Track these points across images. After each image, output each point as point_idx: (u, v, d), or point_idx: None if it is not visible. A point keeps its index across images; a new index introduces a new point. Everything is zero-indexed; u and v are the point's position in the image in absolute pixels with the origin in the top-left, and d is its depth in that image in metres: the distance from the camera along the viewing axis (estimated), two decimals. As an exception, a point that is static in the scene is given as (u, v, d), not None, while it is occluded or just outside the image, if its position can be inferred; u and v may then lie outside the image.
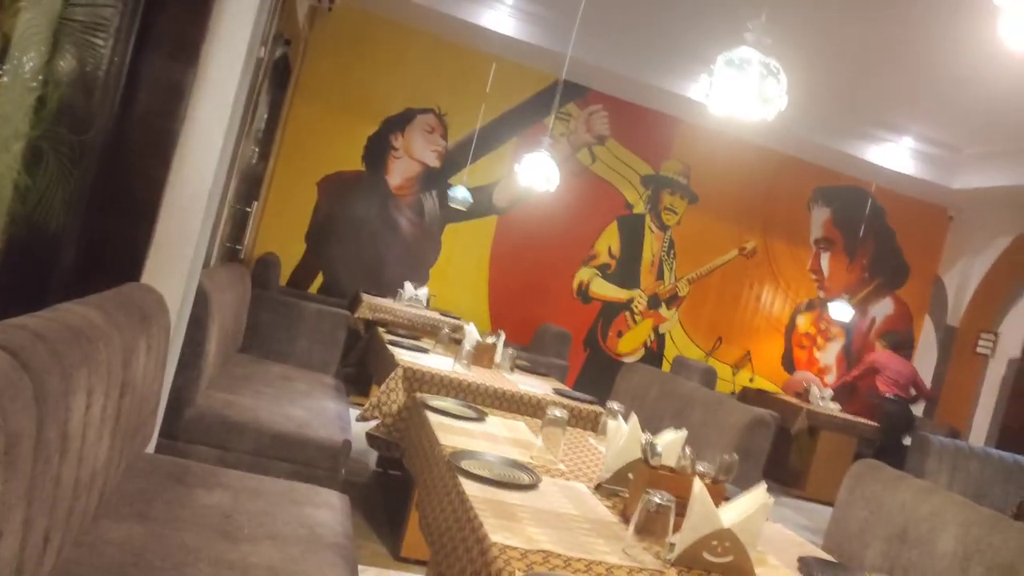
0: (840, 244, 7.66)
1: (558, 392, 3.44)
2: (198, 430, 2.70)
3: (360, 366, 5.51)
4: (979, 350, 7.18)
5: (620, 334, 7.21)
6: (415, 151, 6.65)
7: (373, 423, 2.90)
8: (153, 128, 2.31)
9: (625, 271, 7.20)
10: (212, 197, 2.42)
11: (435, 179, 6.70)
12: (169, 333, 2.15)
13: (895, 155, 6.94)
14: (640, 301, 7.24)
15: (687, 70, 6.26)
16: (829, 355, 7.75)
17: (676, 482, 1.62)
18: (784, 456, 6.55)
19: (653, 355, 7.26)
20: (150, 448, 2.34)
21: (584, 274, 7.12)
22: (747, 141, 7.15)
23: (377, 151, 6.57)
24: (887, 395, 6.80)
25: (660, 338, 7.30)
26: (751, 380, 7.50)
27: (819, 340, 7.72)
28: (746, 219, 7.44)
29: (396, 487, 3.82)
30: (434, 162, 6.69)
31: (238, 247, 4.77)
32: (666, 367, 7.07)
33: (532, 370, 4.08)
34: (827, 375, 7.72)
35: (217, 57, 2.36)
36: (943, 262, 7.85)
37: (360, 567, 2.78)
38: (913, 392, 6.94)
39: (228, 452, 2.72)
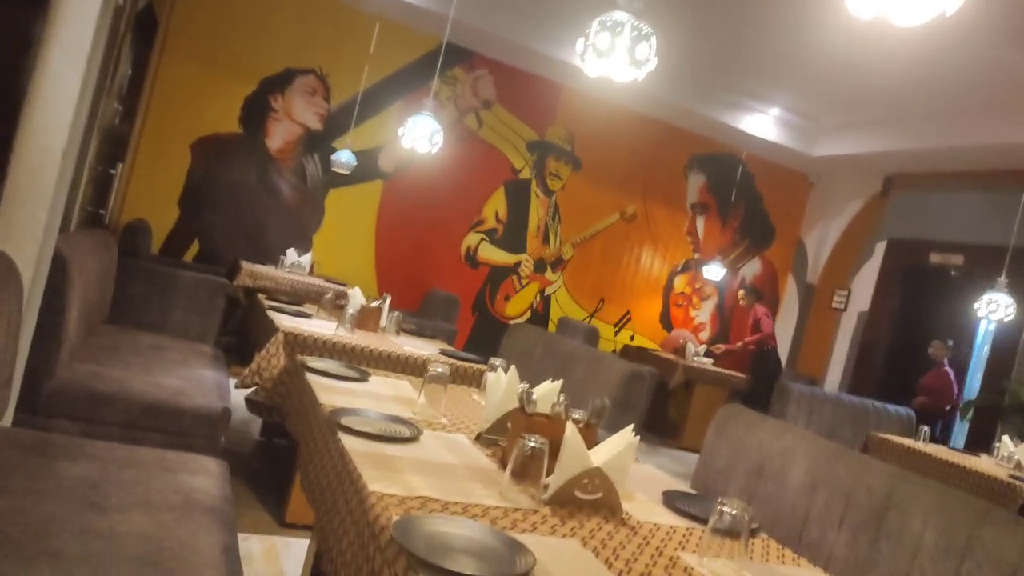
0: (714, 208, 8.07)
1: (444, 353, 3.48)
2: (60, 403, 2.56)
3: (240, 335, 5.34)
4: (834, 305, 7.81)
5: (507, 297, 7.33)
6: (296, 113, 6.42)
7: (253, 390, 2.84)
8: (-4, 79, 2.13)
9: (512, 235, 7.30)
10: (67, 156, 2.26)
11: (318, 142, 6.51)
12: (22, 300, 2.01)
13: (763, 124, 7.36)
14: (527, 265, 7.38)
15: (570, 36, 6.35)
16: (704, 313, 8.20)
17: (550, 427, 1.70)
18: (663, 409, 6.92)
19: (539, 317, 7.44)
20: (5, 422, 2.20)
21: (472, 239, 7.17)
22: (629, 109, 7.37)
23: (255, 113, 6.31)
24: (768, 346, 7.28)
25: (546, 300, 7.48)
26: (631, 339, 7.83)
27: (694, 299, 8.14)
28: (627, 185, 7.69)
29: (280, 455, 3.76)
30: (316, 125, 6.49)
31: (101, 212, 4.48)
32: (552, 328, 7.27)
33: (419, 333, 4.10)
34: (702, 332, 8.16)
35: (70, 4, 2.19)
36: (804, 224, 8.44)
37: (244, 534, 2.74)
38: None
39: (95, 425, 2.60)
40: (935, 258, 6.94)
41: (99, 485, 1.75)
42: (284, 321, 3.22)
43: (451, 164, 6.81)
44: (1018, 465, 4.52)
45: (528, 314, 7.42)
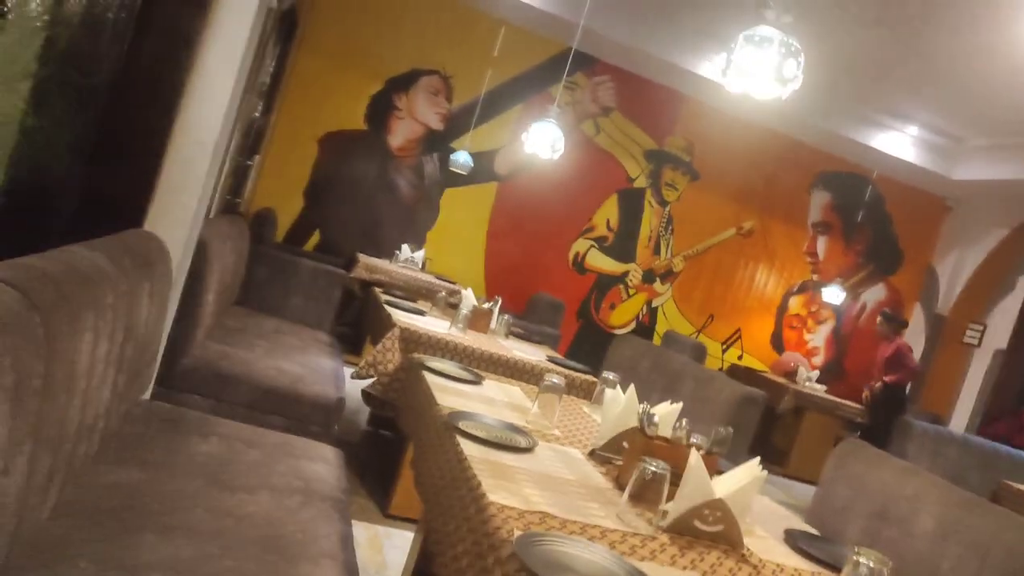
0: (838, 228, 7.68)
1: (552, 360, 3.46)
2: (193, 380, 2.72)
3: (354, 326, 5.52)
4: (966, 340, 7.26)
5: (613, 306, 7.24)
6: (418, 112, 6.59)
7: (368, 381, 2.92)
8: (160, 76, 2.28)
9: (622, 244, 7.21)
10: (217, 148, 2.40)
11: (437, 142, 6.65)
12: (170, 281, 2.15)
13: (898, 143, 6.93)
14: (635, 275, 7.26)
15: (697, 46, 6.20)
16: (818, 337, 7.81)
17: (671, 452, 1.64)
18: (769, 434, 6.64)
19: (645, 329, 7.31)
20: (146, 395, 2.36)
21: (581, 245, 7.13)
22: (752, 122, 7.12)
23: (380, 111, 6.51)
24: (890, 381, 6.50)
25: (652, 312, 7.34)
26: (740, 358, 7.57)
27: (810, 322, 7.77)
28: (746, 199, 7.43)
29: (386, 446, 3.85)
30: (437, 125, 6.64)
31: (237, 200, 4.74)
32: (657, 341, 7.12)
33: (526, 337, 4.10)
34: (815, 357, 7.79)
35: (228, 4, 2.32)
36: (937, 251, 7.89)
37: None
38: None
39: (222, 403, 2.74)
40: (1089, 297, 6.33)
41: (228, 463, 1.84)
42: (400, 317, 3.29)
43: (565, 169, 6.79)
44: None
45: (633, 325, 7.30)
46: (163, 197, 2.31)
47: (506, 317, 3.82)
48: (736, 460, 3.16)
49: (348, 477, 3.29)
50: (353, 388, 3.28)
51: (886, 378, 6.38)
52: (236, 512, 1.61)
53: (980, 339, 7.13)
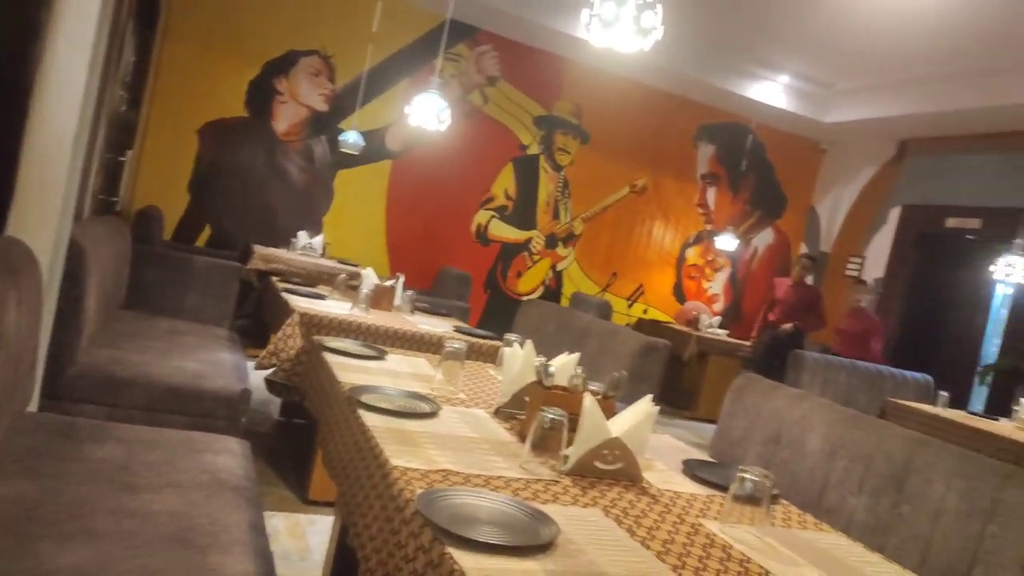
0: (724, 179, 8.01)
1: (459, 330, 3.49)
2: (83, 388, 2.59)
3: (255, 318, 5.37)
4: (848, 272, 7.76)
5: (519, 274, 7.32)
6: (301, 95, 6.40)
7: (272, 371, 2.86)
8: (6, 71, 2.13)
9: (522, 212, 7.28)
10: (78, 143, 2.27)
11: (324, 124, 6.49)
12: (41, 287, 2.03)
13: (772, 92, 7.26)
14: (538, 241, 7.36)
15: (573, 8, 6.27)
16: (717, 285, 8.17)
17: (569, 400, 1.70)
18: (677, 381, 6.93)
19: (552, 293, 7.44)
20: (32, 408, 2.24)
21: (482, 216, 7.15)
22: (636, 81, 7.29)
23: (260, 96, 6.29)
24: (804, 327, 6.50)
25: (558, 276, 7.47)
26: (645, 312, 7.83)
27: (707, 271, 8.11)
28: (636, 157, 7.63)
29: (300, 434, 3.80)
30: (322, 106, 6.47)
31: (113, 199, 4.50)
32: (565, 304, 7.26)
33: (433, 311, 4.11)
34: (715, 304, 8.14)
35: (72, -10, 2.19)
36: (816, 193, 8.36)
37: (268, 513, 2.78)
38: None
39: (118, 409, 2.63)
40: (951, 222, 6.87)
41: (128, 466, 1.78)
42: (299, 303, 3.23)
43: (458, 142, 6.78)
44: (1038, 427, 4.50)
45: (541, 290, 7.42)
46: (24, 199, 2.17)
47: (409, 293, 3.81)
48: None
49: (263, 468, 3.24)
50: (261, 381, 3.22)
51: (799, 323, 6.40)
52: (140, 512, 1.57)
53: (861, 270, 7.64)
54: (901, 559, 1.95)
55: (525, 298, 7.22)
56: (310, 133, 6.47)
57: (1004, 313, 6.72)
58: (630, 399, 2.86)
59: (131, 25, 4.08)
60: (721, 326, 7.59)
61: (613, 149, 7.51)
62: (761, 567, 1.27)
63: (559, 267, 7.48)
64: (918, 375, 6.07)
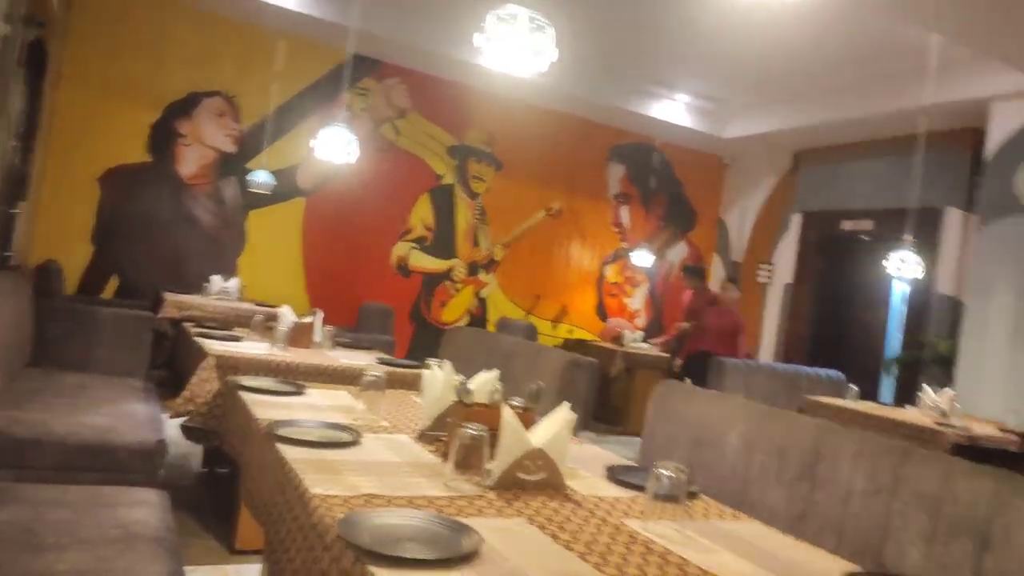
0: (636, 197, 8.25)
1: (381, 361, 3.47)
2: (-18, 453, 2.44)
3: (170, 367, 5.18)
4: (759, 280, 8.09)
5: (443, 303, 7.32)
6: (206, 137, 6.27)
7: (188, 416, 2.77)
8: None
9: (441, 242, 7.30)
10: (-37, 194, 2.17)
11: (232, 165, 6.37)
12: (-72, 347, 1.92)
13: (674, 111, 7.57)
14: (459, 269, 7.39)
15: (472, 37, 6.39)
16: (637, 300, 8.37)
17: (489, 415, 1.72)
18: (607, 398, 7.03)
19: (478, 320, 7.46)
20: (-77, 479, 2.09)
21: (401, 249, 7.13)
22: (543, 107, 7.47)
23: (163, 140, 6.13)
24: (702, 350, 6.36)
25: (482, 303, 7.51)
26: (570, 332, 7.93)
27: (626, 288, 8.30)
28: (550, 181, 7.78)
29: (224, 483, 3.67)
30: (229, 147, 6.35)
31: (7, 254, 4.29)
32: (491, 329, 7.29)
33: (355, 346, 4.07)
34: (637, 319, 8.33)
35: (-53, 36, 2.11)
36: (724, 205, 8.71)
37: (194, 566, 2.67)
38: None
39: (26, 470, 2.48)
40: (847, 225, 7.27)
41: (32, 527, 1.69)
42: (214, 346, 3.15)
43: (372, 175, 6.77)
44: (943, 413, 4.77)
45: (466, 318, 7.43)
46: (-96, 256, 2.05)
47: (329, 328, 3.76)
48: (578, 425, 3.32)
49: (187, 521, 3.11)
50: (181, 432, 3.10)
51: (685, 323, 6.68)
52: (45, 573, 1.49)
53: (771, 277, 7.97)
54: (820, 544, 2.04)
55: (451, 327, 7.21)
56: (218, 175, 6.33)
57: (903, 308, 7.13)
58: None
59: (20, 74, 3.93)
60: (645, 340, 7.76)
61: (527, 174, 7.64)
62: (681, 557, 1.31)
63: (482, 294, 7.52)
64: (832, 372, 6.36)
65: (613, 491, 1.71)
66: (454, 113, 7.26)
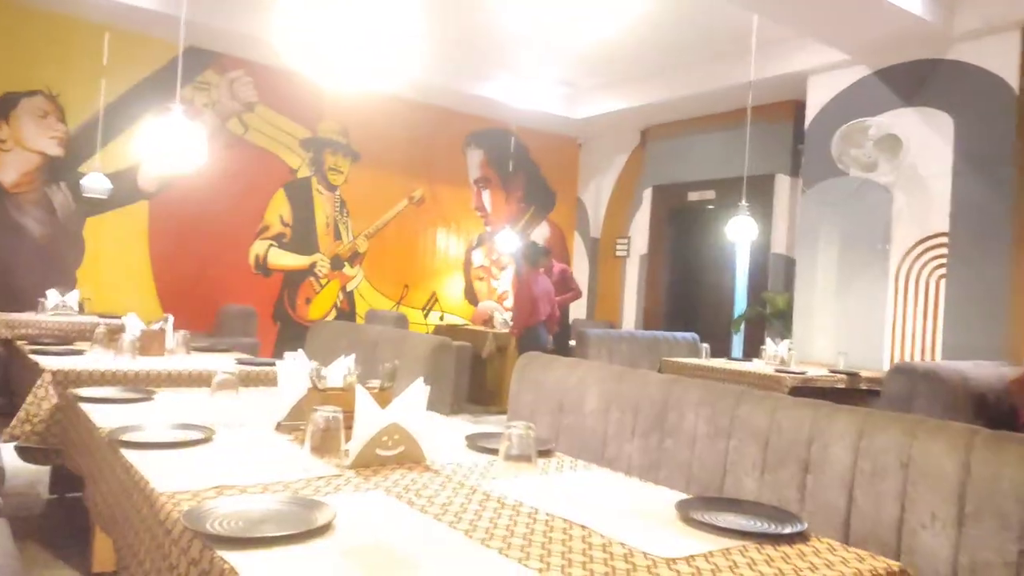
0: (496, 181, 8.38)
1: (240, 361, 3.36)
2: None
3: (2, 391, 4.76)
4: (618, 253, 8.45)
5: (308, 300, 7.15)
6: (28, 140, 5.76)
7: (24, 437, 2.58)
8: None
9: (301, 237, 7.11)
10: None
11: (61, 169, 5.90)
12: None
13: (527, 95, 7.72)
14: (323, 264, 7.23)
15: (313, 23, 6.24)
16: (504, 282, 8.52)
17: (345, 398, 1.73)
18: (482, 380, 7.14)
19: (346, 314, 7.34)
20: None
21: (259, 247, 6.89)
22: (397, 96, 7.41)
23: (-23, 146, 5.58)
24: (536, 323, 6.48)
25: (349, 296, 7.39)
26: (442, 318, 7.98)
27: (494, 270, 8.44)
28: (410, 169, 7.75)
29: (76, 508, 3.44)
30: (55, 150, 5.87)
31: None
32: (360, 323, 7.20)
33: (213, 349, 3.91)
34: (506, 300, 8.49)
35: None
36: (580, 184, 9.02)
37: (45, 596, 2.50)
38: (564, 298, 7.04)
39: None
40: (693, 196, 7.74)
41: None
42: (50, 362, 2.93)
43: (221, 174, 6.47)
44: (782, 360, 5.21)
45: (334, 313, 7.29)
46: None
47: (183, 333, 3.59)
48: (443, 409, 3.39)
49: (38, 551, 2.90)
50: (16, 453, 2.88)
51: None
52: None
53: (628, 250, 8.36)
54: (672, 486, 2.20)
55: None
56: (46, 181, 5.85)
57: (747, 270, 7.69)
58: (429, 398, 2.92)
59: None
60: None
61: (386, 164, 7.57)
62: (533, 507, 1.38)
63: (349, 287, 7.40)
64: (688, 335, 6.78)
65: (472, 458, 1.77)
66: (304, 105, 7.06)
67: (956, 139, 5.04)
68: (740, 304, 7.83)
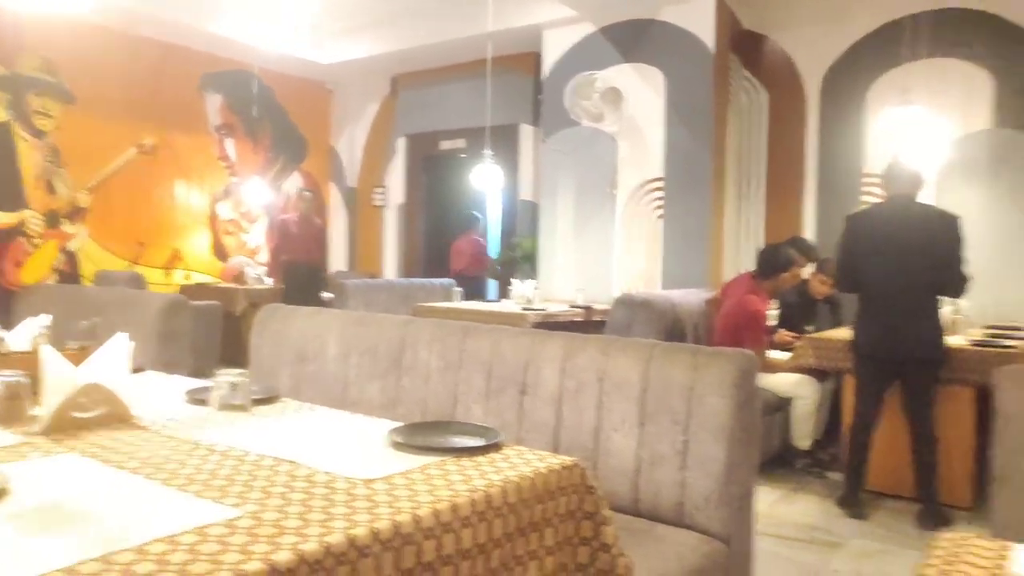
0: (240, 128, 7.87)
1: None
2: None
3: None
4: (375, 203, 8.42)
5: (19, 264, 6.27)
6: None
7: None
8: None
9: (3, 191, 6.17)
10: None
11: None
12: None
13: (272, 35, 7.27)
14: (34, 222, 6.36)
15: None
16: (257, 236, 8.12)
17: (31, 361, 1.59)
18: (236, 338, 6.79)
19: (69, 277, 6.56)
20: None
21: (-52, 204, 5.88)
22: (118, 30, 6.62)
23: None
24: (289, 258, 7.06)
25: (71, 257, 6.60)
26: (187, 277, 7.43)
27: (243, 223, 7.99)
28: (138, 114, 7.01)
29: None
30: None
31: None
32: (88, 285, 6.48)
33: None
34: (258, 255, 8.11)
35: None
36: (333, 133, 8.78)
37: None
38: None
39: None
40: (444, 145, 7.89)
41: None
42: None
43: None
44: (528, 300, 5.59)
45: (54, 276, 6.47)
46: None
47: None
48: (180, 369, 3.20)
49: None
50: None
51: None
52: None
53: (385, 199, 8.35)
54: (409, 419, 2.30)
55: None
56: None
57: (499, 216, 8.06)
58: (166, 362, 2.76)
59: None
60: (269, 274, 7.62)
61: (108, 108, 6.77)
62: (243, 451, 1.39)
63: (71, 247, 6.60)
64: (444, 280, 7.00)
65: (190, 411, 1.72)
66: (-5, 36, 6.05)
67: (667, 92, 5.65)
68: (495, 249, 8.22)
